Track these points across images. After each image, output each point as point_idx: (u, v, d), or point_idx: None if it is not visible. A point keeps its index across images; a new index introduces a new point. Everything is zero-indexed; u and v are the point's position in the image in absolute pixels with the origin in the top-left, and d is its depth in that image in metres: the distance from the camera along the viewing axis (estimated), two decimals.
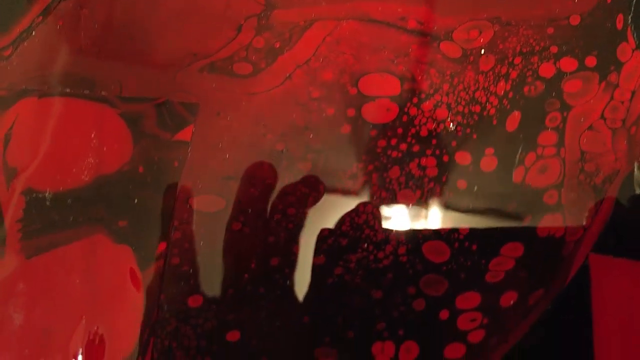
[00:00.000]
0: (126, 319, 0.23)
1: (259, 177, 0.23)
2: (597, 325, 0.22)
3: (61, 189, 0.24)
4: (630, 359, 0.21)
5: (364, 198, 0.24)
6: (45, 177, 0.24)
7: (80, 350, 0.22)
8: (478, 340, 0.22)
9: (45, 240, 0.24)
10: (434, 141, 0.24)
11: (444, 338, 0.22)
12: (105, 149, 0.25)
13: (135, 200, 0.24)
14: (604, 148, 0.24)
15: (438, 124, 0.25)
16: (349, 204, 0.24)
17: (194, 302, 0.23)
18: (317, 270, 0.23)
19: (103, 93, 0.25)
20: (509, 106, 0.25)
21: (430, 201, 0.24)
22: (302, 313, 0.22)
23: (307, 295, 0.23)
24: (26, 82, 0.26)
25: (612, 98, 0.25)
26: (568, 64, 0.25)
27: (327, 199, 0.24)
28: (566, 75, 0.25)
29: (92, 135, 0.25)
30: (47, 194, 0.24)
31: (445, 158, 0.24)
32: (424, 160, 0.24)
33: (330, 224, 0.23)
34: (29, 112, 0.25)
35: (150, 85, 0.26)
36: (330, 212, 0.24)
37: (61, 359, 0.22)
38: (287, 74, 0.25)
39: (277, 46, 0.26)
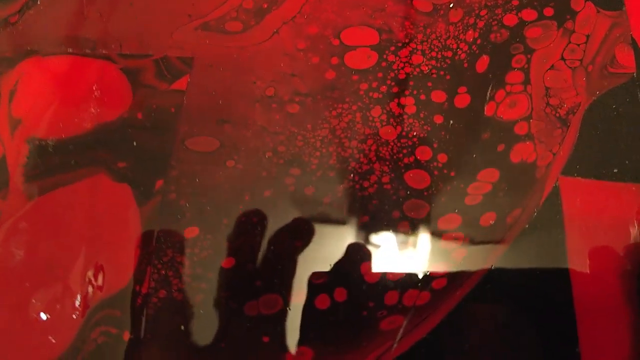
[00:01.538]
0: (124, 251, 0.23)
1: None
2: (570, 239, 0.24)
3: (63, 136, 0.26)
4: (598, 266, 0.23)
5: (349, 135, 0.25)
6: (48, 127, 0.26)
7: (81, 280, 0.23)
8: (461, 257, 0.24)
9: (48, 182, 0.25)
10: (411, 82, 0.26)
11: (428, 257, 0.23)
12: (106, 99, 0.26)
13: (134, 143, 0.25)
14: (565, 84, 0.27)
15: (414, 68, 0.27)
16: (335, 140, 0.25)
17: (189, 233, 0.24)
18: (306, 201, 0.24)
19: (104, 51, 0.27)
20: (477, 51, 0.27)
21: (410, 135, 0.25)
22: (294, 238, 0.24)
23: (298, 222, 0.24)
24: (31, 45, 0.28)
25: (569, 42, 0.27)
26: (529, 14, 0.28)
27: (315, 135, 0.25)
28: (528, 24, 0.28)
29: (94, 88, 0.26)
30: (49, 141, 0.25)
31: (422, 97, 0.26)
32: (403, 100, 0.26)
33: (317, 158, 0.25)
34: (33, 69, 0.27)
35: (149, 44, 0.28)
36: (316, 148, 0.25)
37: (62, 289, 0.23)
38: (275, 29, 0.28)
39: (265, 7, 0.28)
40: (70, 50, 0.27)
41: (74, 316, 0.22)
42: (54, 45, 0.28)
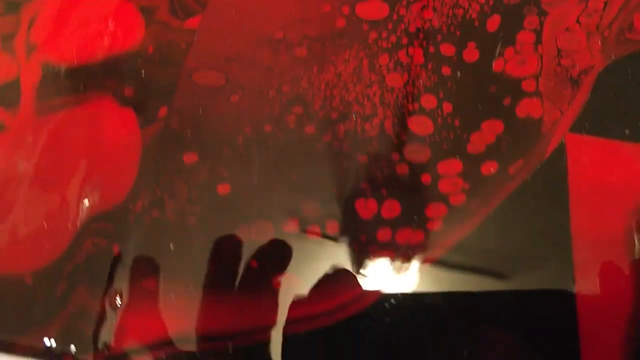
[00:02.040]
0: (123, 170, 0.24)
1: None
2: (573, 195, 0.23)
3: (76, 63, 0.26)
4: (600, 225, 0.22)
5: (354, 80, 0.26)
6: (62, 53, 0.26)
7: (78, 193, 0.23)
8: (459, 202, 0.23)
9: (57, 102, 0.25)
10: (421, 35, 0.26)
11: (425, 199, 0.23)
12: (119, 33, 0.27)
13: (143, 73, 0.26)
14: (579, 46, 0.26)
15: (425, 22, 0.27)
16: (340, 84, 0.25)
17: (188, 158, 0.24)
18: (306, 138, 0.24)
19: None
20: (489, 11, 0.27)
21: (417, 83, 0.25)
22: (291, 171, 0.23)
23: (296, 156, 0.24)
24: None
25: (586, 7, 0.27)
26: None
27: (320, 78, 0.26)
28: None
29: (108, 21, 0.27)
30: (62, 67, 0.26)
31: (432, 49, 0.26)
32: (411, 50, 0.26)
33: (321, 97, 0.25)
34: (54, 1, 0.28)
35: None
36: (320, 90, 0.25)
37: (59, 200, 0.23)
38: None
39: None
40: None
41: (68, 226, 0.22)
42: None
